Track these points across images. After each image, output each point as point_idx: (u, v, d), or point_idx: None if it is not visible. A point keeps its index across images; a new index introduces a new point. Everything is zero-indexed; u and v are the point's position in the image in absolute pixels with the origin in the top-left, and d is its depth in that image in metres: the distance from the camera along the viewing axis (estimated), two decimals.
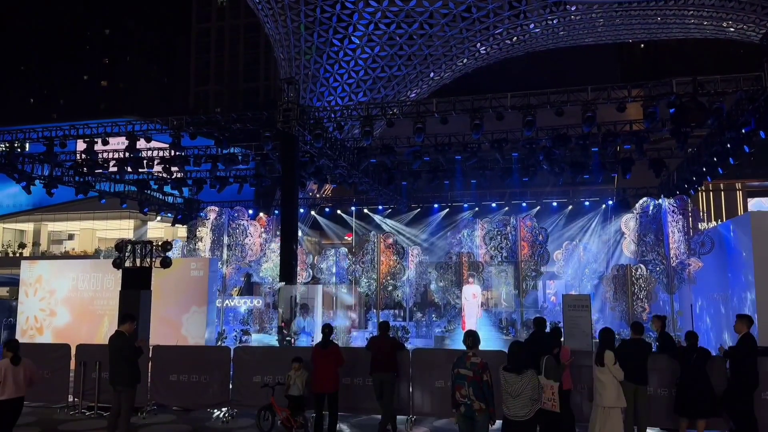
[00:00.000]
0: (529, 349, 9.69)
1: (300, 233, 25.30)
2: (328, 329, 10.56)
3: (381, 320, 12.19)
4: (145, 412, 11.66)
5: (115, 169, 25.13)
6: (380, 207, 33.27)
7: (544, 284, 25.20)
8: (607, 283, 18.81)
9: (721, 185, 38.94)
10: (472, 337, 7.89)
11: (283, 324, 18.12)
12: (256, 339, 19.64)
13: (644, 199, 19.50)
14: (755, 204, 38.20)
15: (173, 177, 26.31)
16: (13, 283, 26.71)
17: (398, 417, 10.66)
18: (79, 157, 26.30)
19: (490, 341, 19.09)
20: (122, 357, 9.44)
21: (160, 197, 30.75)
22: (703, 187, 31.41)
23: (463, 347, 8.01)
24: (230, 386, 11.78)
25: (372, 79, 30.52)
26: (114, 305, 14.68)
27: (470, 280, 19.53)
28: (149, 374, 11.80)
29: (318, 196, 34.49)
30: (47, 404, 12.49)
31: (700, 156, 23.12)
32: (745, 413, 9.06)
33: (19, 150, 24.90)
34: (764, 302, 13.59)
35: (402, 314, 23.34)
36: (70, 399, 12.34)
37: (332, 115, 21.90)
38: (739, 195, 40.04)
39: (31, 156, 25.05)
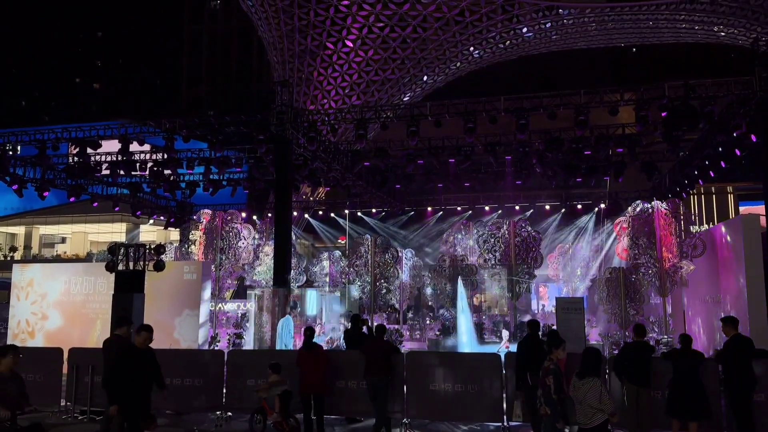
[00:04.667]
0: (523, 353, 9.78)
1: (293, 236, 25.27)
2: (310, 332, 10.74)
3: (377, 324, 12.28)
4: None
5: (107, 172, 25.03)
6: (374, 210, 33.26)
7: (537, 290, 25.29)
8: (600, 286, 18.88)
9: (713, 188, 39.17)
10: (549, 339, 8.10)
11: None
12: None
13: (636, 202, 19.60)
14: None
15: (166, 180, 26.23)
16: (5, 286, 26.53)
17: (392, 420, 10.67)
18: (71, 160, 26.18)
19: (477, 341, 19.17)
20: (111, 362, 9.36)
21: (153, 200, 30.63)
22: (694, 191, 31.57)
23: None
24: (224, 390, 11.76)
25: (365, 83, 30.56)
26: (106, 309, 14.61)
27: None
28: None
29: (312, 199, 34.45)
30: (39, 408, 12.41)
31: (691, 159, 23.25)
32: (743, 414, 9.11)
33: (11, 153, 24.75)
34: (755, 305, 13.68)
35: (396, 317, 23.34)
36: (63, 403, 12.27)
37: (326, 118, 21.90)
38: (731, 198, 40.29)
39: (23, 159, 24.92)
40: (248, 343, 18.92)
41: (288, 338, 16.51)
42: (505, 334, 18.12)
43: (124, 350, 8.55)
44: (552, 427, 7.56)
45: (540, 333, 10.55)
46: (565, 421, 8.14)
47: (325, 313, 22.27)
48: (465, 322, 19.88)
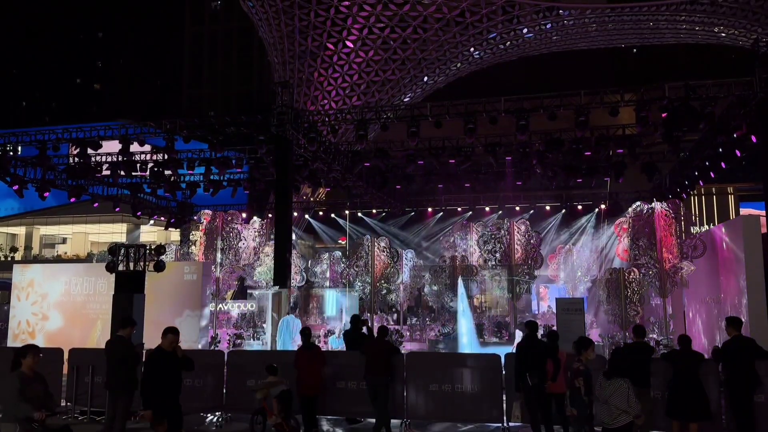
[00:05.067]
0: (523, 353, 9.78)
1: (294, 237, 25.29)
2: (308, 332, 10.82)
3: (379, 325, 12.33)
4: (138, 417, 11.60)
5: (108, 172, 25.05)
6: (374, 210, 33.27)
7: (537, 290, 25.28)
8: (600, 287, 18.88)
9: (713, 189, 39.16)
10: (578, 342, 8.31)
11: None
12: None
13: (637, 203, 19.60)
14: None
15: (167, 180, 26.24)
16: (5, 287, 26.56)
17: (393, 421, 10.66)
18: (71, 161, 26.19)
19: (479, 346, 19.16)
20: (121, 362, 9.36)
21: (154, 201, 30.66)
22: (695, 191, 31.57)
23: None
24: (224, 390, 11.75)
25: (366, 83, 30.55)
26: (107, 309, 14.62)
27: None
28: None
29: (312, 199, 34.46)
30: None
31: (692, 160, 23.26)
32: (744, 415, 9.11)
33: (11, 153, 24.77)
34: (755, 305, 13.68)
35: (396, 318, 23.34)
36: (63, 403, 12.27)
37: (326, 119, 21.91)
38: (731, 199, 40.28)
39: (23, 159, 24.93)
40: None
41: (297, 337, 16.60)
42: (519, 334, 18.08)
43: (153, 354, 8.61)
44: (579, 430, 7.53)
45: (540, 333, 10.56)
46: (591, 424, 8.07)
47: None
48: (466, 323, 19.83)
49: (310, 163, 23.15)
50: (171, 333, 8.55)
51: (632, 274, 17.98)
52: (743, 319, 13.54)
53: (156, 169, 24.30)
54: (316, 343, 18.45)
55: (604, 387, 7.11)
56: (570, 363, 10.23)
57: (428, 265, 24.74)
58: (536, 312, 24.67)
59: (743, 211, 37.69)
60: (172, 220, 31.18)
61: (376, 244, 21.56)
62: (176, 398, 8.49)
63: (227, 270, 21.51)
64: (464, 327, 19.57)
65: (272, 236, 20.99)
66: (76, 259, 40.16)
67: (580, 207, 30.26)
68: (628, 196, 27.36)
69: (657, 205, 18.69)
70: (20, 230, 47.46)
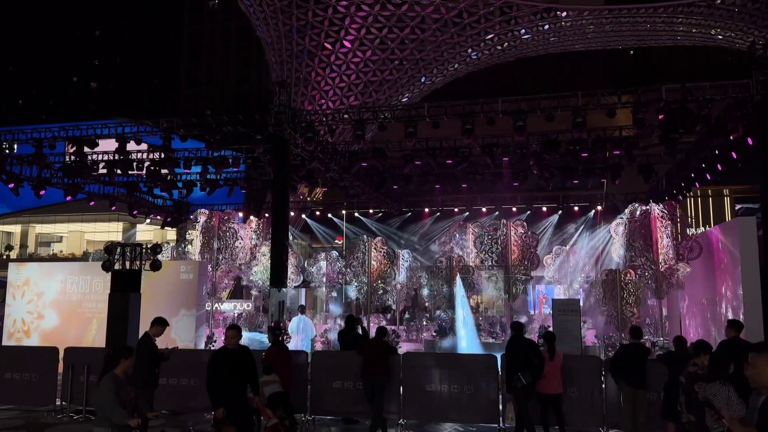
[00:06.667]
0: (514, 354, 9.78)
1: (290, 236, 25.25)
2: (279, 331, 10.94)
3: (378, 326, 12.36)
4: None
5: (104, 171, 24.97)
6: (371, 211, 33.26)
7: (536, 291, 25.27)
8: (597, 288, 18.90)
9: (709, 191, 39.24)
10: (697, 345, 8.20)
11: (272, 324, 18.21)
12: (246, 337, 19.56)
13: (633, 204, 19.63)
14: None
15: (163, 179, 26.17)
16: (1, 285, 26.48)
17: (388, 421, 10.67)
18: (68, 159, 26.12)
19: (481, 346, 19.15)
20: (143, 359, 9.34)
21: (150, 199, 30.58)
22: (691, 193, 31.64)
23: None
24: None
25: (364, 83, 30.53)
26: (103, 308, 14.56)
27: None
28: None
29: (309, 199, 34.43)
30: (34, 407, 12.40)
31: (688, 162, 23.30)
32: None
33: (7, 151, 24.69)
34: (751, 307, 13.72)
35: (392, 318, 23.33)
36: (58, 402, 12.25)
37: (324, 119, 21.89)
38: (727, 201, 40.36)
39: (19, 157, 24.85)
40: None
41: (309, 338, 16.67)
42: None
43: (215, 353, 8.48)
44: None
45: (533, 334, 10.56)
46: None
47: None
48: (467, 329, 19.62)
49: (308, 163, 23.12)
50: (231, 329, 8.42)
51: (628, 275, 18.01)
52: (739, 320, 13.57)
53: (152, 167, 24.22)
54: (318, 341, 18.62)
55: (705, 390, 7.03)
56: (566, 363, 10.27)
57: (425, 265, 24.74)
58: (532, 312, 24.68)
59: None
60: (169, 219, 31.11)
61: (372, 244, 21.56)
62: (243, 397, 8.31)
63: (224, 270, 21.47)
64: (463, 331, 19.46)
65: (269, 236, 20.97)
66: (72, 258, 40.08)
67: (576, 208, 30.30)
68: (624, 198, 27.39)
69: (653, 207, 18.73)
70: (16, 228, 47.34)
